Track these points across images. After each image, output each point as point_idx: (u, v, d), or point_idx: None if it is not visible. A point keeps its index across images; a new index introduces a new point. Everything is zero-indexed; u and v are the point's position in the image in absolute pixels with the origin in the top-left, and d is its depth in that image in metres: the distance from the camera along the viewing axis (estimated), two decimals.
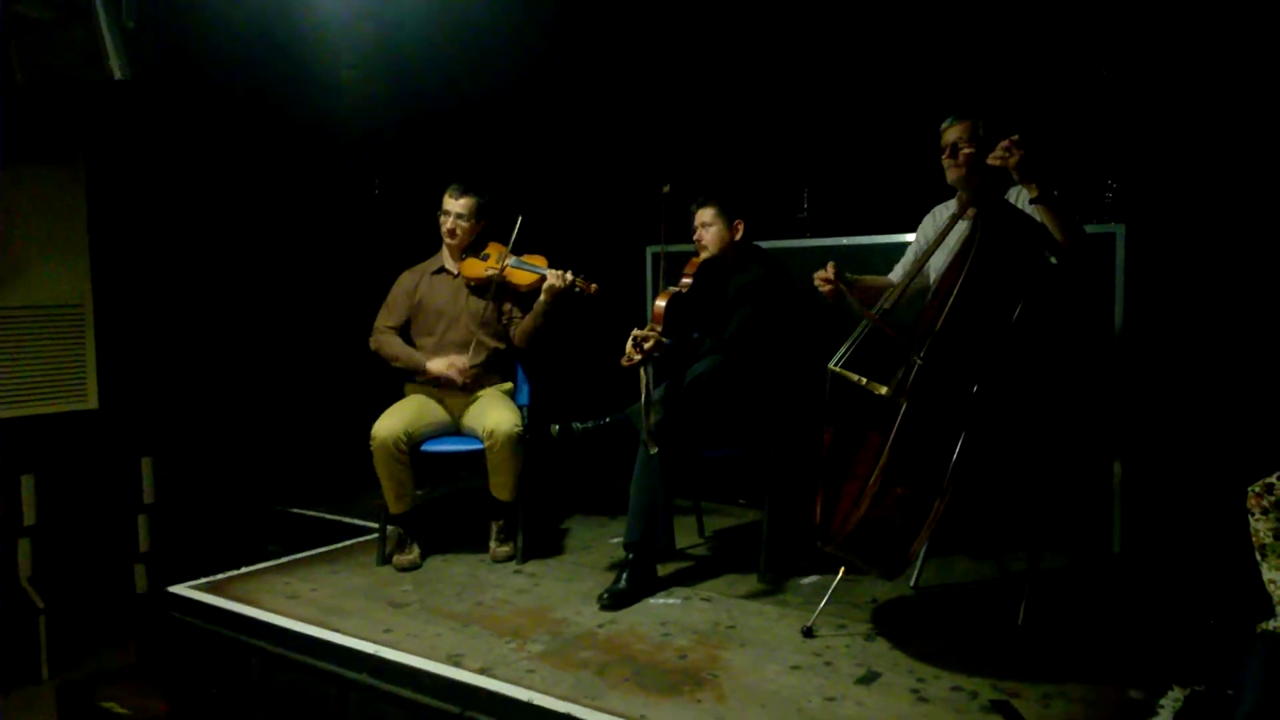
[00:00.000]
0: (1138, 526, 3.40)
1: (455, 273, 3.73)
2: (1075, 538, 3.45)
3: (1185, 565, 3.26)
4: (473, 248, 3.75)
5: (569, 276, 3.52)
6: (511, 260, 3.64)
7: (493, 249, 3.74)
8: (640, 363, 3.14)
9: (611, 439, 3.28)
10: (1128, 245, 3.28)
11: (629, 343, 3.13)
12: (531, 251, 3.71)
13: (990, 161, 2.60)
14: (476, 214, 3.70)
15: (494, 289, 3.62)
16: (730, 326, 3.24)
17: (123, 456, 4.44)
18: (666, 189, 3.28)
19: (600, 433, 3.26)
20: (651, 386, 3.13)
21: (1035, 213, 2.71)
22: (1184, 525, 3.31)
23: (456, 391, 3.63)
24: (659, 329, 3.20)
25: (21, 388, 4.21)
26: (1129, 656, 2.62)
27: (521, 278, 3.63)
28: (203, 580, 3.38)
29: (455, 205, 3.67)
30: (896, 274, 3.21)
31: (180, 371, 4.73)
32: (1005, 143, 2.56)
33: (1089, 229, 3.18)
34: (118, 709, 3.41)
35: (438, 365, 3.57)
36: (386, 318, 3.72)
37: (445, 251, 3.76)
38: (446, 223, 3.68)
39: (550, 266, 3.62)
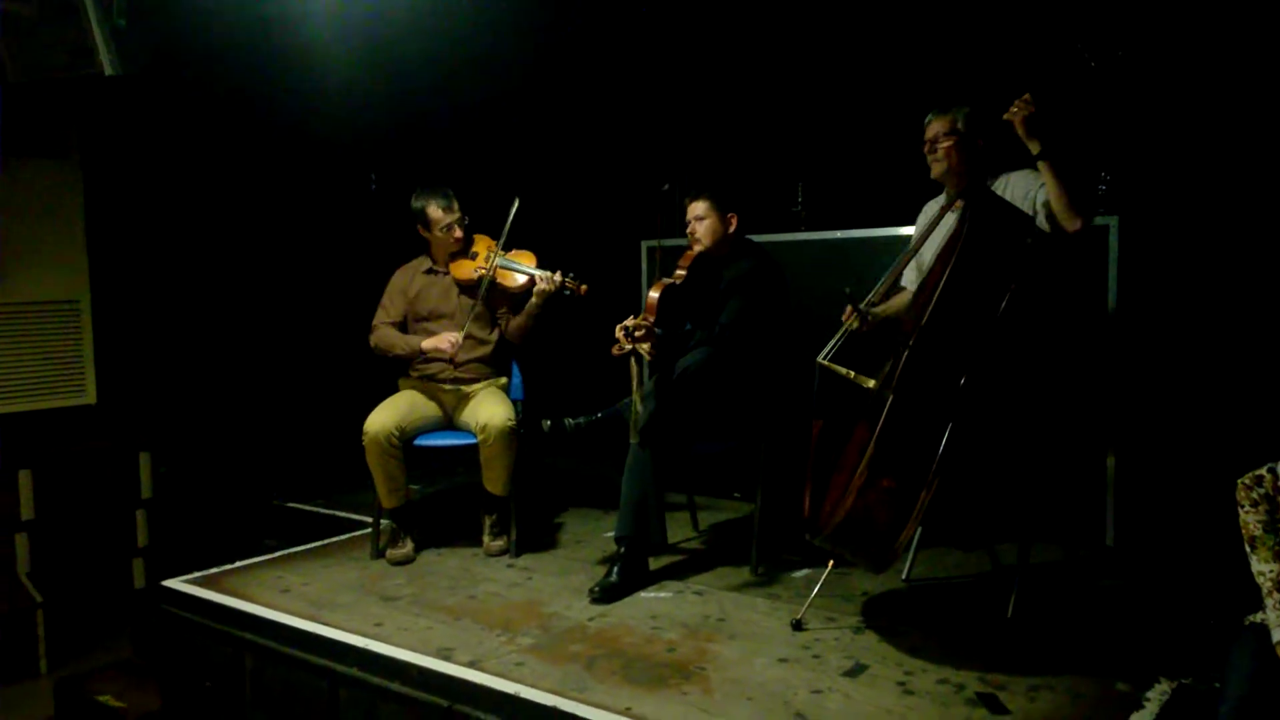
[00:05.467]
0: (1131, 519, 3.39)
1: (445, 272, 3.73)
2: (1069, 530, 3.44)
3: (1179, 558, 3.25)
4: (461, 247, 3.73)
5: (558, 279, 3.53)
6: (500, 260, 3.63)
7: (480, 245, 3.72)
8: (630, 352, 3.13)
9: (604, 434, 3.28)
10: (1121, 237, 3.27)
11: (619, 331, 3.13)
12: (520, 247, 3.70)
13: (1005, 117, 2.67)
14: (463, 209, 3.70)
15: (484, 291, 3.61)
16: (722, 317, 3.24)
17: (121, 451, 4.46)
18: (666, 187, 3.27)
19: (592, 428, 3.26)
20: (643, 377, 3.14)
21: (1028, 193, 2.78)
22: (1178, 518, 3.30)
23: (449, 385, 3.63)
24: (651, 319, 3.20)
25: (20, 383, 4.24)
26: (1118, 649, 2.61)
27: (511, 279, 3.62)
28: (196, 574, 3.39)
29: (456, 213, 3.66)
30: (908, 279, 3.19)
31: (177, 367, 4.75)
32: (1020, 100, 2.65)
33: None
34: (113, 702, 3.43)
35: (431, 342, 3.57)
36: (384, 315, 3.73)
37: (436, 252, 3.74)
38: (456, 231, 3.66)
39: (539, 265, 3.61)
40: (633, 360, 3.17)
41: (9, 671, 3.87)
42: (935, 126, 2.93)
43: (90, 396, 4.46)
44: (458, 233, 3.67)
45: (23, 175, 4.19)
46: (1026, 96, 2.66)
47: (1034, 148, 2.68)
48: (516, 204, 3.59)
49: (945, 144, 2.89)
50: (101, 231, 4.46)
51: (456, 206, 3.67)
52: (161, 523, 4.56)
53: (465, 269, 3.68)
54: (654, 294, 3.31)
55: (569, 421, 3.26)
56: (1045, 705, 2.29)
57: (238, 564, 3.54)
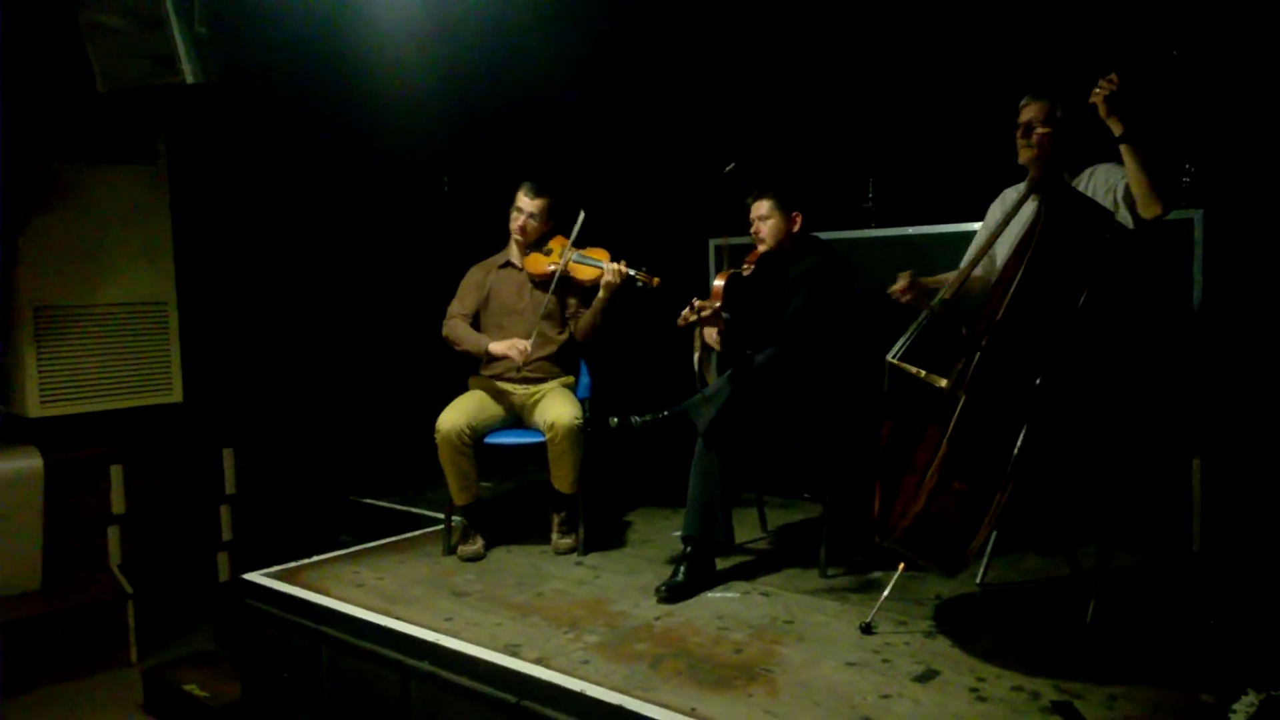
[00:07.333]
0: (1218, 524, 3.26)
1: (520, 267, 3.78)
2: (1153, 535, 3.32)
3: (1268, 564, 3.11)
4: (537, 243, 3.79)
5: (624, 270, 3.54)
6: (573, 255, 3.67)
7: (555, 243, 3.78)
8: (694, 324, 3.13)
9: (670, 432, 3.27)
10: (1206, 231, 3.15)
11: (687, 308, 3.13)
12: (594, 245, 3.73)
13: (1090, 100, 2.58)
14: (546, 214, 3.75)
15: (556, 283, 3.65)
16: (787, 311, 3.21)
17: (206, 448, 4.60)
18: (730, 167, 3.23)
19: (658, 426, 3.26)
20: (706, 350, 3.14)
21: (1111, 185, 2.71)
22: (1267, 522, 3.17)
23: (518, 384, 3.67)
24: (718, 305, 3.18)
25: (111, 382, 4.40)
26: (1203, 659, 2.52)
27: (583, 273, 3.66)
28: (275, 568, 3.48)
29: (529, 205, 3.71)
30: (967, 261, 3.12)
31: (259, 366, 4.89)
32: (1104, 79, 2.56)
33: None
34: (198, 692, 3.54)
35: (499, 345, 3.61)
36: (458, 306, 3.80)
37: (512, 246, 3.81)
38: (518, 220, 3.72)
39: (611, 260, 3.63)
40: (697, 331, 3.16)
41: (102, 659, 4.02)
42: (1032, 110, 2.82)
43: (177, 395, 4.60)
44: (518, 221, 3.71)
45: (113, 181, 4.35)
46: (1112, 75, 2.56)
47: (1116, 129, 2.58)
48: (582, 216, 3.64)
49: (1042, 131, 2.78)
50: (186, 235, 4.61)
51: (527, 202, 3.70)
52: (244, 518, 4.69)
53: (539, 264, 3.73)
54: (719, 282, 3.29)
55: (635, 419, 3.27)
56: (1123, 714, 2.22)
57: (315, 558, 3.63)
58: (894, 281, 2.88)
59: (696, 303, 3.15)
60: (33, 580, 4.02)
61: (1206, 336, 3.21)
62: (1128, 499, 3.10)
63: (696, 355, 3.16)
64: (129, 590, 4.15)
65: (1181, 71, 3.29)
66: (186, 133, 4.57)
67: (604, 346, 3.80)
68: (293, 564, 3.54)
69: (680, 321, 3.16)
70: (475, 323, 3.79)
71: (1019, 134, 2.85)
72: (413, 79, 4.76)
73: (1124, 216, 2.70)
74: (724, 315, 3.16)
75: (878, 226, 4.01)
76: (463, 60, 4.88)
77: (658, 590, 3.06)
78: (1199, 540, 3.27)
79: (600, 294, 3.60)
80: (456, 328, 3.74)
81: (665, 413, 3.28)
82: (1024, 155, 2.86)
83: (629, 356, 4.39)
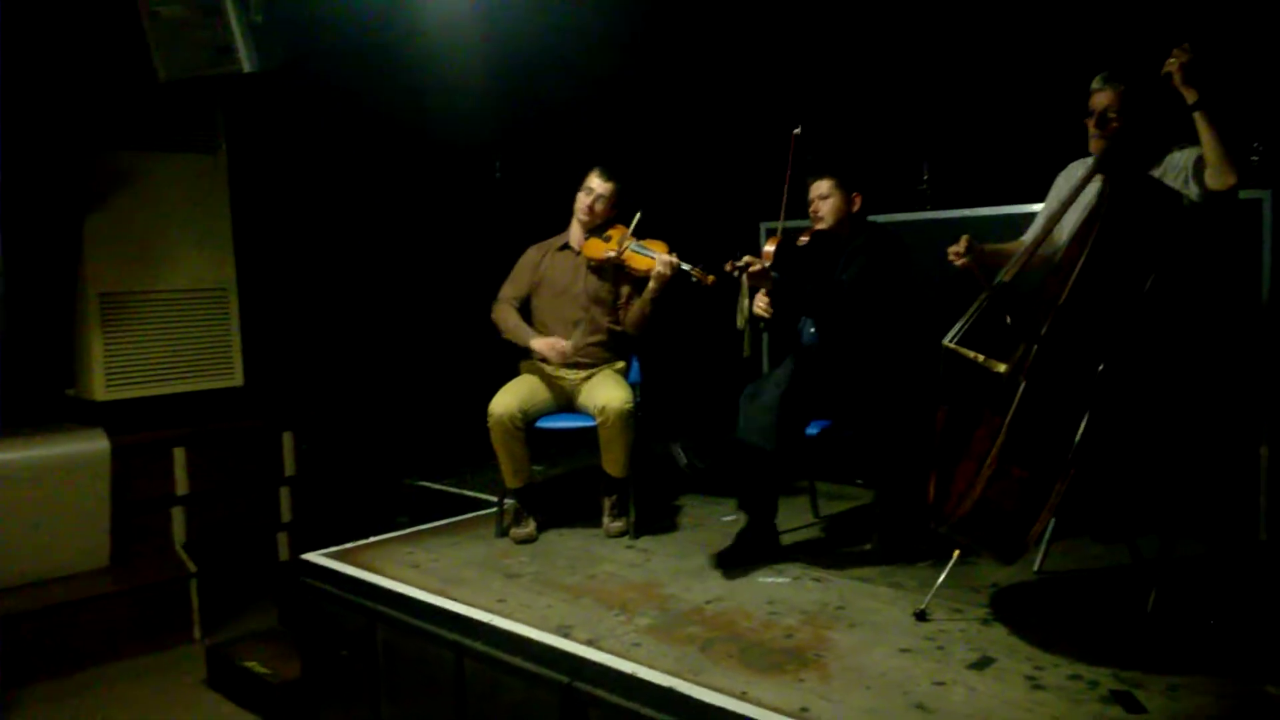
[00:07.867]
0: None
1: (578, 251, 3.79)
2: (1219, 524, 3.24)
3: None
4: (598, 229, 3.80)
5: (677, 263, 3.53)
6: (631, 244, 3.68)
7: (615, 231, 3.79)
8: (739, 271, 3.10)
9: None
10: (1275, 211, 3.05)
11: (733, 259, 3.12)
12: (654, 238, 3.73)
13: (1163, 70, 2.56)
14: (614, 199, 3.77)
15: (611, 270, 3.66)
16: (845, 275, 3.20)
17: (266, 431, 4.69)
18: (797, 131, 3.16)
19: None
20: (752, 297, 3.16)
21: (1182, 163, 2.66)
22: None
23: (569, 368, 3.68)
24: (767, 265, 3.16)
25: (174, 366, 4.51)
26: (1269, 650, 2.45)
27: (639, 262, 3.65)
28: (333, 549, 3.54)
29: (601, 187, 3.73)
30: (1029, 238, 3.05)
31: (318, 351, 4.98)
32: (1177, 49, 2.53)
33: None
34: (259, 669, 3.62)
35: (540, 344, 3.63)
36: (509, 289, 3.83)
37: (573, 229, 3.82)
38: (587, 199, 3.73)
39: (670, 254, 3.63)
40: (743, 281, 3.15)
41: (166, 635, 4.13)
42: (1106, 97, 2.74)
43: (238, 379, 4.70)
44: (586, 200, 3.72)
45: (174, 169, 4.45)
46: (1185, 45, 2.52)
47: (1190, 97, 2.54)
48: (639, 215, 3.67)
49: (1116, 123, 2.71)
50: (246, 221, 4.69)
51: (599, 183, 3.72)
52: (303, 499, 4.78)
53: (597, 249, 3.74)
54: (769, 247, 3.25)
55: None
56: (1185, 705, 2.17)
57: (372, 539, 3.68)
58: (952, 250, 2.83)
59: (746, 258, 3.11)
60: (101, 558, 4.14)
61: (1274, 320, 3.12)
62: (1192, 487, 3.02)
63: (742, 301, 3.13)
64: (192, 569, 4.26)
65: (1250, 48, 3.19)
66: (244, 120, 4.65)
67: (657, 340, 3.79)
68: (350, 545, 3.60)
69: (727, 266, 3.13)
70: (526, 304, 3.81)
71: (1092, 123, 2.77)
72: (466, 65, 4.80)
73: (1193, 191, 2.63)
74: (773, 275, 3.12)
75: (933, 209, 3.95)
76: (515, 47, 4.90)
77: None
78: (1265, 530, 3.19)
79: (651, 284, 3.59)
80: (505, 315, 3.76)
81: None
82: (1095, 145, 2.78)
83: (682, 342, 4.39)
